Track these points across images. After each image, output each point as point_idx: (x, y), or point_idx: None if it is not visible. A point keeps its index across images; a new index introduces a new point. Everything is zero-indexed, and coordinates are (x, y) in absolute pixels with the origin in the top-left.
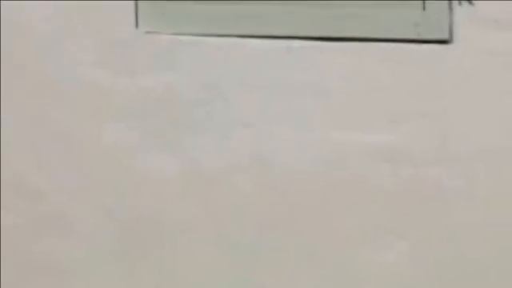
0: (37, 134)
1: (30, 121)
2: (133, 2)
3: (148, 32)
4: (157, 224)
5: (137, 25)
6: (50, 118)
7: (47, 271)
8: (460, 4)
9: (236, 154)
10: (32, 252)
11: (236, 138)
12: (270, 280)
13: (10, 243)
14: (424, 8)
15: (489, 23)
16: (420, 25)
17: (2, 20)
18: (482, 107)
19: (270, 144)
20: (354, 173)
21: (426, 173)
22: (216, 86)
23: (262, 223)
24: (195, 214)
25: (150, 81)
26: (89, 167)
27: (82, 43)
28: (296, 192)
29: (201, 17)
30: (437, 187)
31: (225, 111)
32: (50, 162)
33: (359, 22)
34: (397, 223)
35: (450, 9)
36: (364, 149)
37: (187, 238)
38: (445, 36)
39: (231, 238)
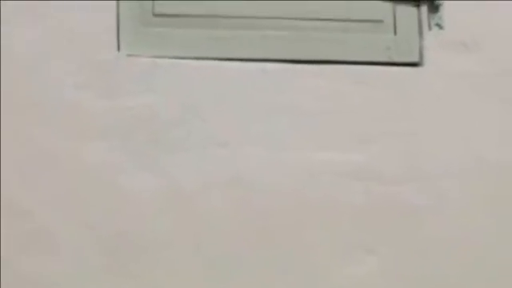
0: (23, 152)
1: (17, 140)
2: (114, 27)
3: (129, 55)
4: (138, 239)
5: (118, 48)
6: (35, 137)
7: (33, 286)
8: (430, 29)
9: (213, 173)
10: (19, 268)
11: (213, 157)
12: None
13: None
14: (395, 32)
15: (457, 47)
16: (391, 48)
17: None
18: (450, 128)
19: (245, 163)
20: (326, 191)
21: (396, 191)
22: (194, 107)
23: (237, 239)
24: (174, 229)
25: (131, 102)
26: (73, 185)
27: (67, 66)
28: (271, 209)
29: (179, 41)
30: (406, 204)
31: (202, 131)
32: (36, 180)
33: (332, 46)
34: (367, 239)
35: (420, 33)
36: (336, 168)
37: (167, 253)
38: (415, 59)
39: (209, 253)
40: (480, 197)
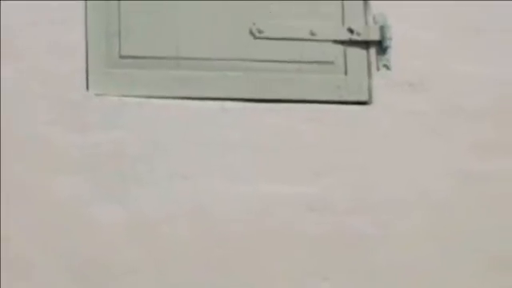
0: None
1: None
2: (84, 68)
3: (97, 94)
4: (106, 266)
5: (87, 88)
6: (11, 171)
7: None
8: (378, 69)
9: (176, 204)
10: None
11: (176, 189)
12: None
13: None
14: (346, 73)
15: (404, 86)
16: (342, 88)
17: None
18: (397, 163)
19: (206, 195)
20: (282, 221)
21: (347, 221)
22: (158, 143)
23: (199, 267)
24: (140, 257)
25: (100, 138)
26: (46, 216)
27: (39, 104)
28: (230, 238)
29: (144, 81)
30: (356, 234)
31: (166, 165)
32: (12, 211)
33: (287, 85)
34: (321, 266)
35: (370, 73)
36: (291, 199)
37: (133, 279)
38: (364, 98)
39: (172, 280)
40: (424, 227)
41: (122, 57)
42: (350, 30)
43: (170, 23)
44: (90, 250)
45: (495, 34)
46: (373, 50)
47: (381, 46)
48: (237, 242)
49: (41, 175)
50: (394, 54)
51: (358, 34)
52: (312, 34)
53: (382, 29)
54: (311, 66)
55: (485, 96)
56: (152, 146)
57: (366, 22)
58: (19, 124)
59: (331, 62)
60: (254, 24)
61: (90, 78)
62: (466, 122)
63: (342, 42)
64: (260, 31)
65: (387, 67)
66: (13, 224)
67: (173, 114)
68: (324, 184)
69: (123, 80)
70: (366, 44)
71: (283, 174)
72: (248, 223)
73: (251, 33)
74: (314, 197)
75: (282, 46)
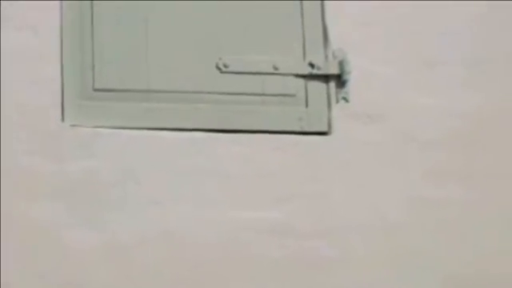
0: None
1: None
2: (59, 101)
3: (72, 125)
4: None
5: (63, 119)
6: None
7: None
8: (337, 102)
9: (148, 229)
10: None
11: (148, 214)
12: None
13: None
14: (307, 105)
15: (362, 118)
16: (303, 119)
17: None
18: (355, 190)
19: (176, 220)
20: (247, 245)
21: (308, 244)
22: (131, 171)
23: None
24: (114, 280)
25: (75, 166)
26: (24, 240)
27: (18, 135)
28: (199, 261)
29: (117, 113)
30: (317, 257)
31: (138, 192)
32: None
33: (252, 117)
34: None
35: (329, 105)
36: (255, 224)
37: None
38: (324, 129)
39: None
40: (382, 251)
41: (95, 90)
42: (311, 65)
43: (141, 58)
44: (65, 273)
45: (448, 68)
46: (332, 84)
47: (340, 80)
48: (205, 264)
49: (18, 201)
50: (352, 87)
51: (319, 69)
52: (275, 68)
53: (341, 63)
54: (274, 98)
55: (438, 127)
56: (124, 174)
57: (326, 57)
58: None
59: (293, 95)
60: (220, 59)
61: (65, 109)
62: (421, 152)
63: (303, 76)
64: (226, 66)
65: (346, 100)
66: None
67: (144, 143)
68: (287, 210)
69: (97, 112)
70: (325, 78)
71: (248, 200)
72: (215, 247)
73: (218, 67)
74: (277, 222)
75: (247, 80)
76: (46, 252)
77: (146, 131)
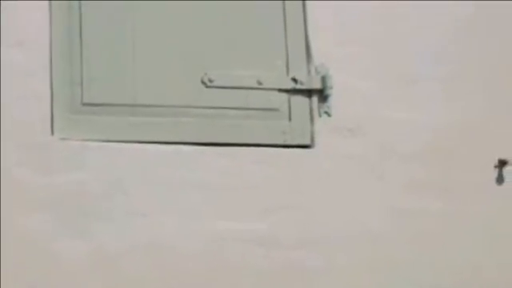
0: None
1: None
2: (49, 115)
3: (61, 139)
4: None
5: (52, 133)
6: None
7: None
8: (320, 116)
9: (134, 239)
10: None
11: (134, 225)
12: None
13: None
14: (290, 119)
15: (343, 131)
16: (286, 133)
17: None
18: (337, 201)
19: (162, 231)
20: (233, 255)
21: (292, 255)
22: (118, 183)
23: None
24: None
25: (64, 178)
26: (14, 251)
27: (9, 147)
28: (185, 272)
29: (105, 126)
30: (300, 267)
31: (125, 203)
32: None
33: (236, 131)
34: None
35: (312, 119)
36: (241, 235)
37: None
38: (307, 142)
39: None
40: (364, 261)
41: (84, 104)
42: (294, 80)
43: (128, 73)
44: (54, 283)
45: (426, 83)
46: (315, 98)
47: (322, 95)
48: (190, 274)
49: (8, 213)
50: (334, 101)
51: (302, 83)
52: (259, 83)
53: (324, 78)
54: (258, 112)
55: (416, 140)
56: (112, 186)
57: (309, 72)
58: None
59: (276, 109)
60: (206, 74)
61: (54, 123)
62: (400, 164)
63: (287, 91)
64: (211, 80)
65: (328, 114)
66: None
67: (131, 156)
68: (271, 221)
69: (85, 125)
70: (308, 92)
71: (233, 211)
72: (200, 257)
73: (203, 82)
74: (262, 233)
75: (232, 94)
76: (35, 262)
77: (132, 144)
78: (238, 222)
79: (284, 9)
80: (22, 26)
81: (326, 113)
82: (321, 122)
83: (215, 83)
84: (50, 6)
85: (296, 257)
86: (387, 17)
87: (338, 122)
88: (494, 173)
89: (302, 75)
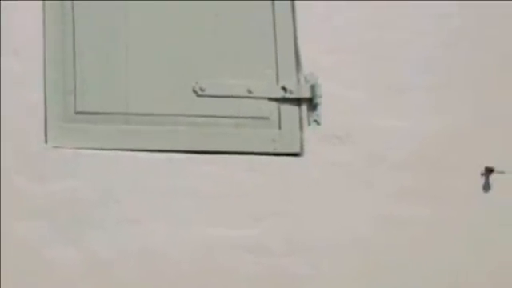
0: None
1: None
2: (43, 123)
3: (55, 147)
4: None
5: (46, 141)
6: None
7: None
8: (309, 124)
9: (126, 246)
10: None
11: (126, 232)
12: None
13: None
14: (280, 127)
15: (332, 140)
16: (276, 141)
17: None
18: (326, 209)
19: (154, 238)
20: (223, 261)
21: (281, 262)
22: (110, 190)
23: None
24: None
25: (57, 186)
26: (7, 257)
27: (3, 155)
28: (176, 278)
29: (97, 134)
30: (289, 274)
31: (117, 211)
32: None
33: (227, 139)
34: None
35: (301, 128)
36: (231, 242)
37: None
38: (297, 150)
39: None
40: (352, 268)
41: (77, 113)
42: (284, 89)
43: (121, 82)
44: None
45: (414, 92)
46: (304, 107)
47: (311, 103)
48: (181, 280)
49: (2, 220)
50: (323, 110)
51: (291, 92)
52: (249, 92)
53: (313, 87)
54: (248, 121)
55: (405, 148)
56: (104, 194)
57: (298, 81)
58: None
59: (266, 118)
60: (197, 83)
61: (48, 132)
62: (388, 172)
63: (276, 100)
64: (202, 89)
65: (317, 122)
66: None
67: (123, 164)
68: (261, 228)
69: (78, 134)
70: (298, 101)
71: (223, 218)
72: (191, 263)
73: (194, 91)
74: (251, 240)
75: (222, 103)
76: (28, 269)
77: (125, 152)
78: (228, 229)
79: (274, 18)
80: (15, 36)
81: (315, 121)
82: (310, 131)
83: (206, 92)
84: (44, 15)
85: (285, 264)
86: (376, 26)
87: (327, 131)
88: (481, 180)
89: (291, 84)
